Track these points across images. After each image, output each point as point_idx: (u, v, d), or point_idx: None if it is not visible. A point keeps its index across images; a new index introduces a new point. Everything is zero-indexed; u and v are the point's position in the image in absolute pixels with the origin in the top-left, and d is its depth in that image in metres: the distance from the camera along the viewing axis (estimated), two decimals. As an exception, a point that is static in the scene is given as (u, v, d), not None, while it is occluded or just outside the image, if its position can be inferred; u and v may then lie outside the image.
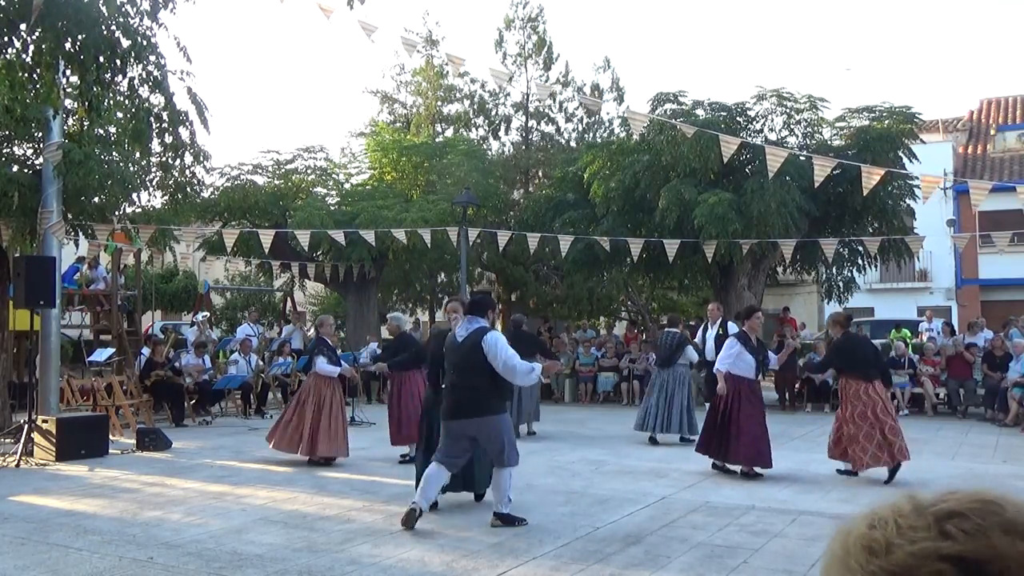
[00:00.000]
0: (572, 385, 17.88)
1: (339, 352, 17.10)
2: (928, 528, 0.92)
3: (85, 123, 9.41)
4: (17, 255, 11.25)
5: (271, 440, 9.55)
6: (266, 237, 15.78)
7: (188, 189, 12.17)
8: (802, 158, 15.81)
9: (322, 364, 9.55)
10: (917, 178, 16.60)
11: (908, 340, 16.76)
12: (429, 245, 17.15)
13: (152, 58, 7.57)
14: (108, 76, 7.19)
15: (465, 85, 26.54)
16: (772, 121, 17.13)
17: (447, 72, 25.62)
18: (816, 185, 11.54)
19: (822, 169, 11.09)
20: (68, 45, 6.90)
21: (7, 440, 10.36)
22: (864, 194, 12.40)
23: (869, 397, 8.18)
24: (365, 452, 9.95)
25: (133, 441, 10.80)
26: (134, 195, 12.26)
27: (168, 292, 26.70)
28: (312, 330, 14.63)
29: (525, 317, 13.86)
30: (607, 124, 26.07)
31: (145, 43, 7.33)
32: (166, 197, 13.00)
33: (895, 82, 59.09)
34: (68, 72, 7.64)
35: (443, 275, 24.52)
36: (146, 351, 14.67)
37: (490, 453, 6.48)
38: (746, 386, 8.54)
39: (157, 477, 8.65)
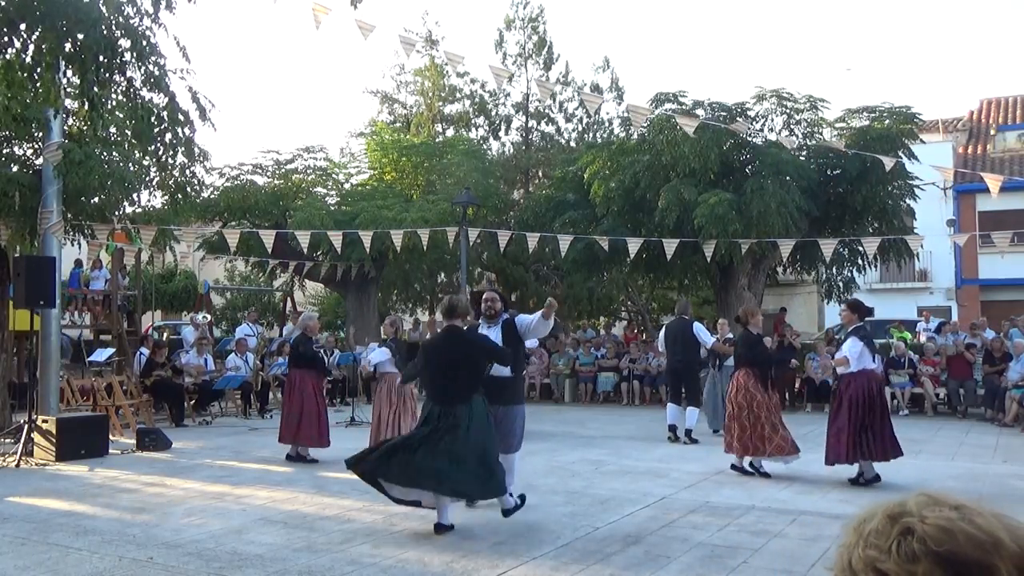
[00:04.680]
0: (572, 385, 17.88)
1: (339, 352, 17.24)
2: (886, 538, 0.98)
3: (87, 123, 9.39)
4: (17, 255, 11.25)
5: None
6: (267, 237, 15.79)
7: (188, 189, 12.16)
8: (802, 158, 15.84)
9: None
10: (918, 178, 16.67)
11: (907, 340, 16.75)
12: (426, 248, 17.14)
13: (152, 58, 7.57)
14: (108, 76, 7.19)
15: (465, 85, 26.56)
16: (772, 121, 17.14)
17: (447, 73, 25.65)
18: (844, 146, 11.68)
19: (838, 147, 11.35)
20: (68, 45, 6.90)
21: (7, 440, 10.35)
22: (888, 169, 12.63)
23: None
24: (365, 452, 9.93)
25: (133, 441, 10.80)
26: (134, 195, 12.27)
27: (168, 292, 26.71)
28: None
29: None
30: (607, 124, 26.08)
31: (145, 43, 7.33)
32: (166, 197, 13.00)
33: (895, 82, 59.16)
34: (68, 72, 7.63)
35: (443, 275, 24.53)
36: (145, 351, 14.66)
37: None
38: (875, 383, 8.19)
39: (157, 477, 8.65)
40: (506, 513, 6.42)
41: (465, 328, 6.69)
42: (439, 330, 6.82)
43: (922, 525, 0.97)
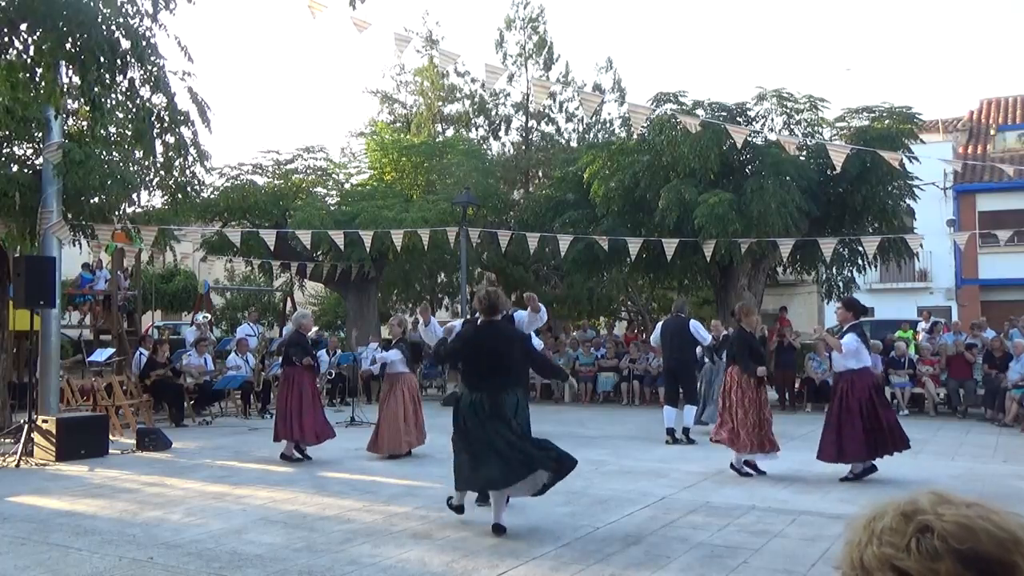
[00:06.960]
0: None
1: (339, 352, 17.24)
2: (902, 536, 0.97)
3: (88, 123, 9.39)
4: (17, 255, 11.24)
5: (377, 449, 9.82)
6: (269, 237, 15.80)
7: (188, 189, 12.17)
8: (802, 158, 15.82)
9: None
10: (918, 178, 16.66)
11: (909, 340, 16.75)
12: (426, 248, 17.14)
13: (152, 59, 7.57)
14: (109, 76, 7.18)
15: (465, 85, 26.57)
16: (772, 121, 17.14)
17: (446, 72, 25.66)
18: (838, 168, 11.74)
19: (838, 155, 11.42)
20: (68, 45, 6.90)
21: (7, 440, 10.36)
22: (895, 166, 12.73)
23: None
24: (364, 452, 9.95)
25: (133, 441, 10.80)
26: (134, 195, 12.27)
27: (168, 292, 26.71)
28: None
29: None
30: (607, 124, 26.08)
31: (145, 43, 7.33)
32: (166, 197, 13.00)
33: (895, 82, 59.15)
34: (69, 72, 7.62)
35: (443, 275, 24.54)
36: (144, 352, 14.64)
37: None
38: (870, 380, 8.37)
39: (157, 477, 8.65)
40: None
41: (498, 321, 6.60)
42: (477, 323, 6.65)
43: (941, 523, 0.96)
